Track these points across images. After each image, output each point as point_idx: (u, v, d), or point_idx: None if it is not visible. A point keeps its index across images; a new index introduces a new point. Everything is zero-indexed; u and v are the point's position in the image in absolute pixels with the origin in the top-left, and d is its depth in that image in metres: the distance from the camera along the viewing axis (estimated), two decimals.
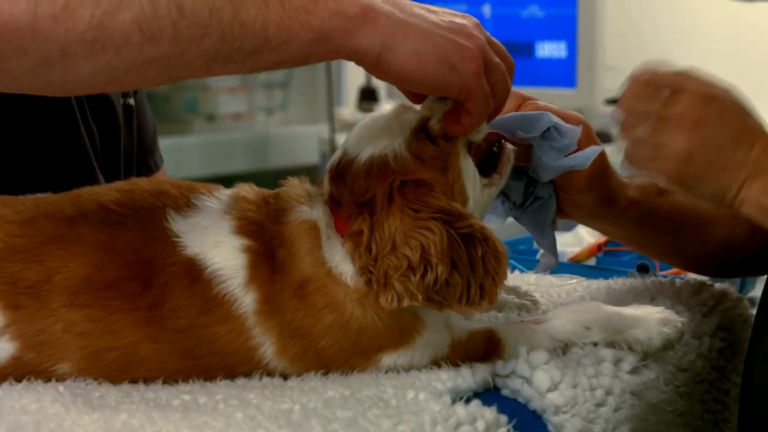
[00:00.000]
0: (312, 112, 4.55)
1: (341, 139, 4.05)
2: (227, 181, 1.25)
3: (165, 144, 1.76)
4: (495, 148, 1.24)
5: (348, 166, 1.17)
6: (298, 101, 4.54)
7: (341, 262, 1.14)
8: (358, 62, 1.11)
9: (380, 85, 4.19)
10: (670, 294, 1.46)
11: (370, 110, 4.30)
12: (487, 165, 1.23)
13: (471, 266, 1.11)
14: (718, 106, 1.19)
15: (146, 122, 1.66)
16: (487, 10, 3.86)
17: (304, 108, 4.57)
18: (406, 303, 1.11)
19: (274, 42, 1.07)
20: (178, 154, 3.86)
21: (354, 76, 4.33)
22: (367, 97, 4.25)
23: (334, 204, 1.17)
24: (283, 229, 1.15)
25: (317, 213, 1.17)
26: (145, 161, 1.65)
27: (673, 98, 1.19)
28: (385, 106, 1.21)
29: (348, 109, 4.42)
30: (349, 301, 1.14)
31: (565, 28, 3.77)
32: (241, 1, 1.05)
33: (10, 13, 1.00)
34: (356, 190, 1.15)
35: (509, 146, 1.25)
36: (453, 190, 1.17)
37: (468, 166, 1.19)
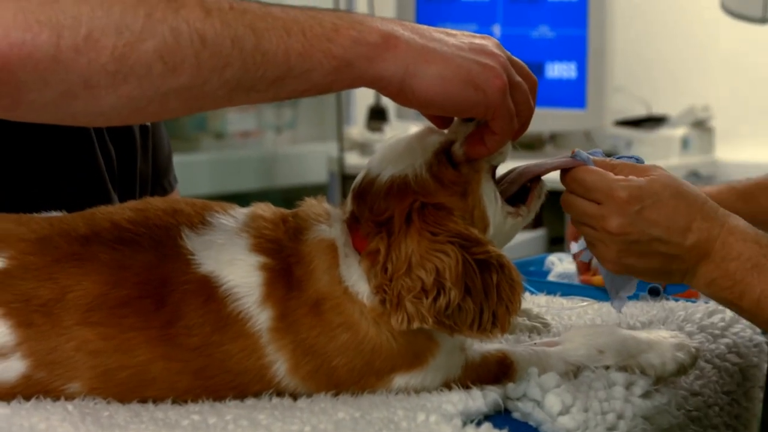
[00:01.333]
0: (321, 131, 4.55)
1: (350, 158, 4.09)
2: (236, 198, 1.25)
3: (173, 161, 1.76)
4: (529, 184, 1.24)
5: (370, 185, 1.17)
6: (307, 120, 4.54)
7: (358, 281, 1.14)
8: (381, 90, 1.10)
9: (389, 104, 4.19)
10: (681, 317, 1.45)
11: (379, 129, 4.31)
12: (518, 198, 1.23)
13: (485, 293, 1.11)
14: (645, 201, 1.19)
15: (161, 142, 1.66)
16: (497, 30, 3.87)
17: (313, 126, 4.57)
18: (416, 325, 1.11)
19: (297, 71, 1.06)
20: (187, 172, 3.85)
21: (363, 95, 4.33)
22: (377, 116, 4.25)
23: (354, 222, 1.17)
24: (301, 247, 1.15)
25: (336, 232, 1.17)
26: (159, 182, 1.65)
27: (601, 212, 1.20)
28: (412, 128, 1.21)
29: (357, 128, 4.42)
30: (365, 320, 1.14)
31: (575, 49, 3.77)
32: (263, 30, 1.05)
33: (33, 44, 0.99)
34: (376, 209, 1.15)
35: (543, 183, 1.25)
36: (473, 216, 1.17)
37: (489, 192, 1.19)
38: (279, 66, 1.05)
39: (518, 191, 1.23)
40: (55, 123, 1.10)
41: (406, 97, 1.10)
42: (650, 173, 1.22)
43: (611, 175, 1.22)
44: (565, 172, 1.24)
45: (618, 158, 1.28)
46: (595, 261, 1.34)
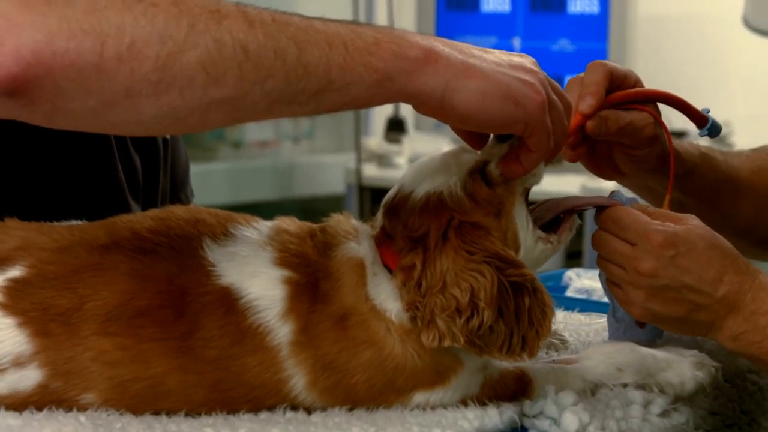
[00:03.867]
0: (338, 142, 4.56)
1: (368, 169, 4.09)
2: (253, 208, 1.25)
3: (191, 171, 1.76)
4: (562, 215, 1.23)
5: (403, 201, 1.17)
6: (325, 130, 4.55)
7: (387, 300, 1.14)
8: (420, 105, 1.10)
9: (408, 115, 4.19)
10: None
11: (397, 141, 4.31)
12: (550, 227, 1.22)
13: (517, 316, 1.11)
14: (679, 247, 1.19)
15: (179, 155, 1.66)
16: (517, 42, 3.86)
17: (331, 137, 4.58)
18: (447, 343, 1.10)
19: (338, 84, 1.05)
20: (204, 181, 3.86)
21: (381, 105, 4.33)
22: (395, 127, 4.25)
23: (384, 238, 1.17)
24: (329, 263, 1.15)
25: (364, 250, 1.16)
26: (176, 195, 1.65)
27: (634, 254, 1.19)
28: (446, 145, 1.20)
29: (375, 139, 4.42)
30: (390, 337, 1.13)
31: None
32: (305, 42, 1.04)
33: (77, 53, 0.99)
34: (410, 225, 1.15)
35: (576, 218, 1.24)
36: (506, 237, 1.16)
37: (522, 215, 1.18)
38: (320, 79, 1.05)
39: (550, 221, 1.22)
40: (94, 131, 1.09)
41: (445, 112, 1.10)
42: (686, 222, 1.22)
43: (648, 218, 1.21)
44: (600, 210, 1.23)
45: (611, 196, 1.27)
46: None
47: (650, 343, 1.30)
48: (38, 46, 0.98)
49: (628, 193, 1.33)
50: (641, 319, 1.24)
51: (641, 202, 1.29)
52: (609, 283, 1.24)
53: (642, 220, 1.21)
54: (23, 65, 0.98)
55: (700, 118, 1.40)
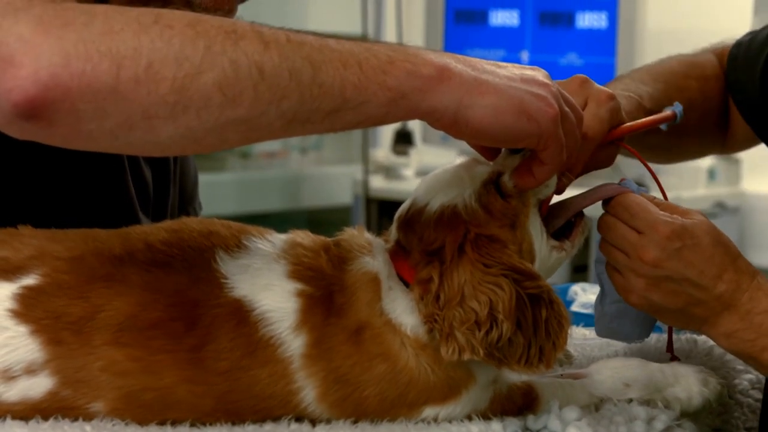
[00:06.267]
0: (346, 153, 4.56)
1: (375, 180, 4.09)
2: (260, 219, 1.25)
3: (199, 181, 1.76)
4: (573, 219, 1.23)
5: (418, 214, 1.17)
6: (333, 141, 4.55)
7: (402, 314, 1.14)
8: (434, 122, 1.10)
9: (415, 128, 4.20)
10: (704, 351, 1.44)
11: (404, 153, 4.30)
12: (561, 233, 1.22)
13: (534, 328, 1.11)
14: (685, 240, 1.19)
15: (188, 169, 1.66)
16: (525, 56, 3.87)
17: (339, 148, 4.58)
18: (466, 356, 1.11)
19: (353, 103, 1.06)
20: (212, 192, 3.87)
21: None
22: (403, 139, 4.26)
23: (398, 252, 1.17)
24: (344, 276, 1.15)
25: (379, 264, 1.17)
26: (185, 208, 1.65)
27: (641, 242, 1.20)
28: (454, 157, 1.21)
29: (383, 151, 4.42)
30: (405, 352, 1.14)
31: (604, 77, 3.74)
32: (320, 62, 1.05)
33: (93, 75, 0.99)
34: (426, 239, 1.15)
35: (587, 219, 1.24)
36: (521, 249, 1.17)
37: (536, 226, 1.19)
38: (335, 98, 1.05)
39: (563, 226, 1.23)
40: (112, 152, 1.09)
41: (460, 128, 1.10)
42: (693, 216, 1.22)
43: (657, 208, 1.22)
44: (609, 198, 1.24)
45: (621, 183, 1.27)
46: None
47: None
48: (56, 69, 0.98)
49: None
50: (638, 307, 1.23)
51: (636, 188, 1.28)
52: (609, 268, 1.24)
53: (651, 209, 1.21)
54: (41, 88, 0.98)
55: (672, 118, 1.39)
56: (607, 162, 1.32)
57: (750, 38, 1.57)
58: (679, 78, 1.52)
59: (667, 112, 1.36)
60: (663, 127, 1.37)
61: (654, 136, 1.38)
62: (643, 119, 1.33)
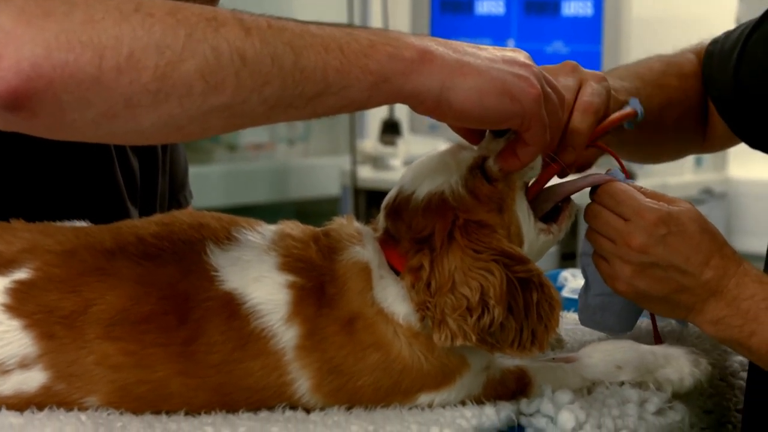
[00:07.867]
0: (334, 144, 4.56)
1: (363, 171, 4.09)
2: (248, 211, 1.25)
3: None
4: (560, 204, 1.24)
5: (405, 202, 1.17)
6: (320, 133, 4.55)
7: (394, 302, 1.14)
8: (417, 105, 1.10)
9: (403, 118, 4.20)
10: (695, 334, 1.45)
11: (392, 143, 4.30)
12: (550, 217, 1.23)
13: (525, 311, 1.12)
14: (671, 227, 1.20)
15: (178, 158, 1.66)
16: (511, 44, 3.87)
17: (326, 139, 4.58)
18: (459, 342, 1.11)
19: (335, 87, 1.06)
20: (199, 184, 3.82)
21: (376, 108, 4.33)
22: (390, 129, 4.26)
23: (388, 240, 1.17)
24: (335, 266, 1.15)
25: (369, 254, 1.17)
26: (175, 197, 1.65)
27: (627, 228, 1.20)
28: (441, 146, 1.21)
29: (370, 142, 4.42)
30: (398, 340, 1.14)
31: (590, 65, 3.76)
32: (301, 47, 1.05)
33: (76, 65, 0.99)
34: (415, 226, 1.15)
35: (575, 204, 1.25)
36: (510, 232, 1.17)
37: (523, 209, 1.19)
38: (317, 83, 1.05)
39: (549, 210, 1.23)
40: (95, 141, 1.09)
41: (443, 111, 1.10)
42: (679, 204, 1.23)
43: (643, 196, 1.22)
44: (596, 186, 1.24)
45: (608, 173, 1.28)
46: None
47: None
48: (38, 59, 0.98)
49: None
50: (624, 295, 1.24)
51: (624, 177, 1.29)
52: (596, 257, 1.25)
53: (637, 197, 1.21)
54: (23, 79, 0.98)
55: (633, 115, 1.39)
56: (586, 164, 1.33)
57: (725, 35, 1.58)
58: (658, 75, 1.53)
59: (627, 109, 1.35)
60: (627, 125, 1.36)
61: (631, 133, 1.38)
62: (605, 121, 1.32)
